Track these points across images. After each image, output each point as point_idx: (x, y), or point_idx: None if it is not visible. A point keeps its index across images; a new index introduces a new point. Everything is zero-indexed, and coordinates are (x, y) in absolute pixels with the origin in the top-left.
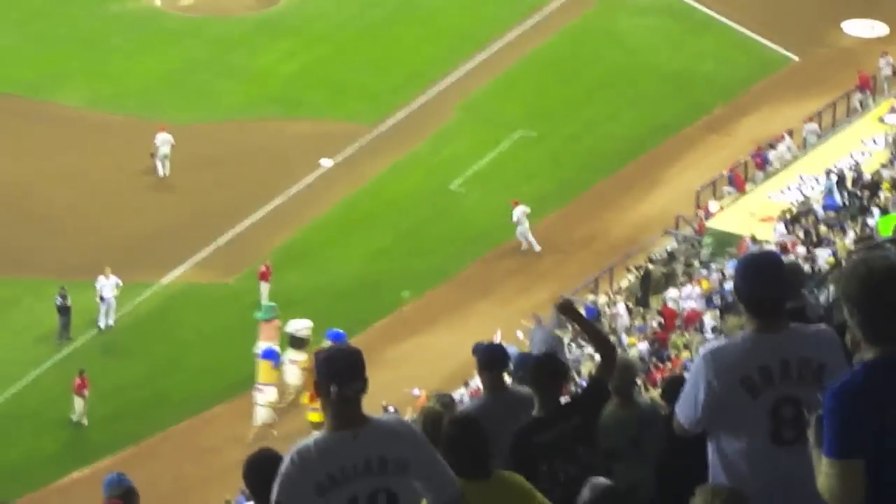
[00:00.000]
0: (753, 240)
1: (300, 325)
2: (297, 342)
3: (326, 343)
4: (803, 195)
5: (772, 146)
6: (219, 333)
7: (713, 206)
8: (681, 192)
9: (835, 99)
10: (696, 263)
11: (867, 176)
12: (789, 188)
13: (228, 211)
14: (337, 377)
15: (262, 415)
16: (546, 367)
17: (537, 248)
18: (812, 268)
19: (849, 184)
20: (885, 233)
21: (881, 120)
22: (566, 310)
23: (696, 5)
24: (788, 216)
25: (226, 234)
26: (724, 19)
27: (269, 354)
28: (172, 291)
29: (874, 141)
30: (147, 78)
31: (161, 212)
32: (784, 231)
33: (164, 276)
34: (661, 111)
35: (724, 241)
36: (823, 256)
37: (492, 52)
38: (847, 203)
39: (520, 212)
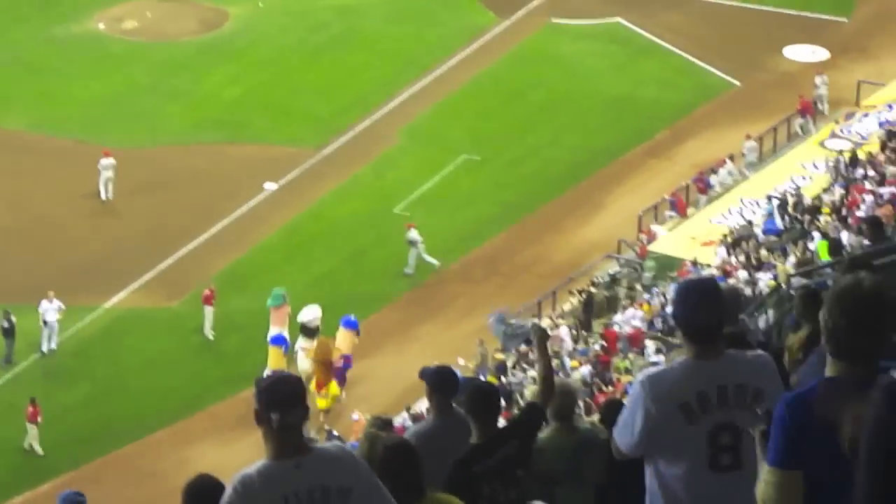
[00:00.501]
0: (695, 264)
1: (311, 315)
2: (307, 331)
3: (341, 329)
4: (744, 219)
5: (713, 171)
6: (162, 357)
7: (660, 230)
8: (623, 216)
9: (776, 123)
10: (639, 287)
11: (808, 200)
12: (731, 212)
13: (172, 235)
14: (278, 406)
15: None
16: (482, 394)
17: (436, 263)
18: (753, 291)
19: (790, 208)
20: (825, 256)
21: (822, 145)
22: (543, 339)
23: (639, 31)
24: (730, 240)
25: (169, 258)
26: (666, 45)
27: (278, 340)
28: (115, 315)
29: (815, 165)
30: (90, 102)
31: (104, 236)
32: (725, 255)
33: (107, 300)
34: (603, 136)
35: (666, 265)
36: (764, 280)
37: (435, 76)
38: (788, 227)
39: (413, 234)
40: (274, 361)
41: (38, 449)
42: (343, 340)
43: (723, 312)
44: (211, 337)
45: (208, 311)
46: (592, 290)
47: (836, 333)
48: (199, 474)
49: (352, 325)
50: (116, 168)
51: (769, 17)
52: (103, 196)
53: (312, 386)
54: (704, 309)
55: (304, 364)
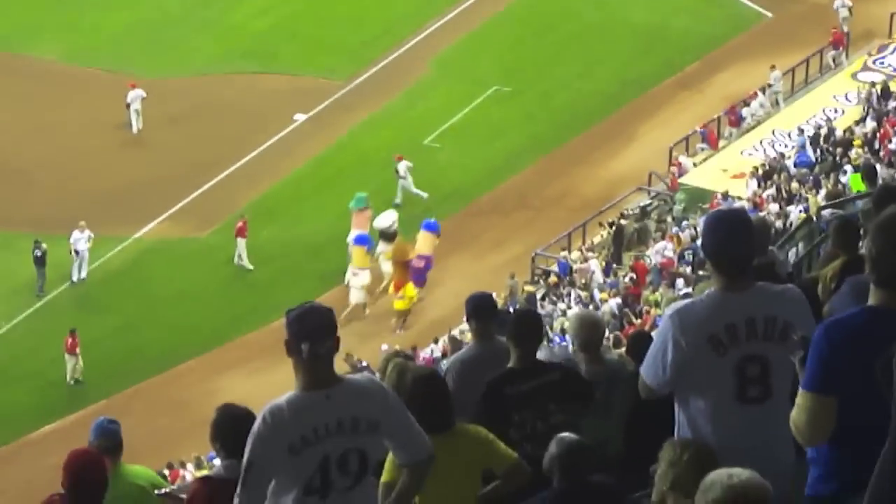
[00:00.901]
0: (726, 196)
1: (387, 220)
2: (385, 236)
3: (422, 232)
4: (776, 152)
5: (745, 103)
6: (191, 288)
7: (687, 161)
8: (653, 148)
9: (808, 56)
10: (669, 220)
11: (839, 132)
12: (762, 145)
13: (201, 166)
14: (308, 336)
15: (355, 296)
16: (524, 319)
17: (424, 195)
18: (784, 224)
19: (822, 140)
20: (858, 188)
21: (854, 77)
22: None
23: None
24: (761, 172)
25: (198, 189)
26: None
27: (362, 240)
28: (145, 246)
29: (847, 98)
30: (121, 32)
31: (134, 166)
32: (756, 187)
33: (137, 230)
34: (634, 68)
35: (697, 198)
36: (795, 213)
37: (466, 6)
38: (820, 160)
39: (403, 167)
40: (358, 259)
41: (80, 377)
42: (424, 242)
43: (752, 244)
44: (250, 266)
45: (241, 242)
46: (622, 222)
47: (880, 262)
48: (228, 404)
49: (432, 228)
50: (144, 99)
51: None
52: (134, 128)
53: (391, 288)
54: (734, 240)
55: (386, 267)
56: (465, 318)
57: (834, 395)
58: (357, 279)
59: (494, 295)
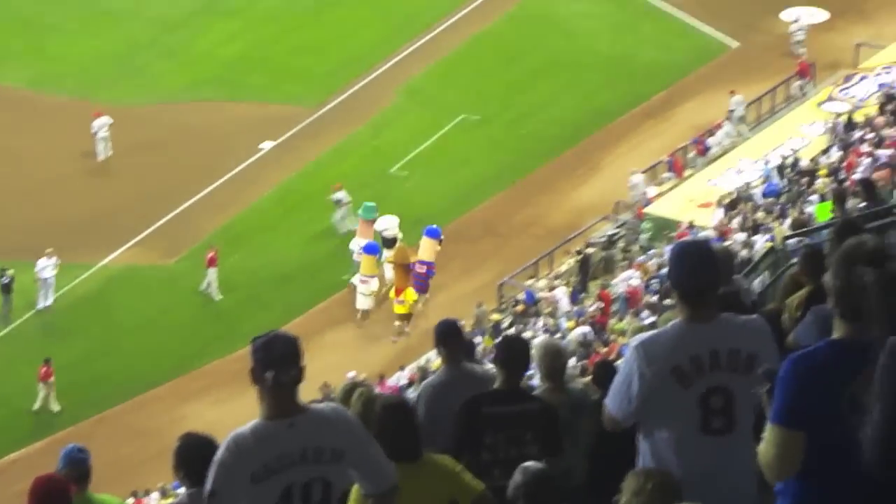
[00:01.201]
0: (692, 226)
1: (389, 225)
2: (386, 241)
3: (424, 238)
4: (742, 181)
5: (711, 132)
6: (157, 315)
7: (652, 191)
8: (620, 177)
9: (774, 85)
10: (636, 248)
11: (805, 162)
12: (728, 174)
13: (169, 193)
14: (273, 364)
15: (363, 303)
16: (513, 345)
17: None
18: (749, 253)
19: (787, 170)
20: (823, 218)
21: (820, 107)
22: None
23: None
24: (727, 202)
25: (166, 217)
26: (664, 6)
27: (372, 248)
28: (111, 273)
29: (813, 128)
30: (87, 59)
31: (100, 194)
32: (722, 216)
33: (103, 257)
34: (600, 97)
35: (664, 227)
36: (761, 242)
37: (434, 35)
38: (785, 189)
39: (341, 195)
40: (367, 268)
41: (55, 406)
42: (425, 249)
43: (717, 275)
44: (217, 297)
45: (212, 272)
46: (589, 250)
47: (843, 295)
48: (190, 432)
49: (434, 234)
50: (111, 126)
51: None
52: (101, 156)
53: (392, 293)
54: (699, 271)
55: (390, 274)
56: (434, 345)
57: (802, 430)
58: (366, 286)
59: (462, 323)
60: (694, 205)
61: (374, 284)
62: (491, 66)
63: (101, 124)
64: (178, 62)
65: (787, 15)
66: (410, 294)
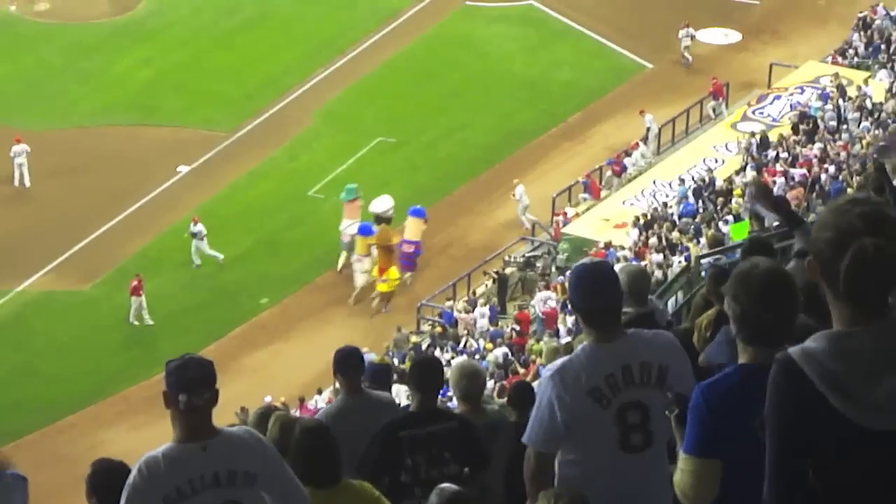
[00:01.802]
0: (608, 246)
1: (384, 206)
2: (380, 220)
3: (409, 218)
4: (657, 201)
5: (626, 153)
6: (74, 341)
7: (570, 211)
8: (537, 198)
9: (688, 106)
10: (553, 269)
11: (720, 182)
12: (643, 194)
13: (84, 218)
14: (185, 387)
15: (360, 280)
16: (423, 366)
17: (220, 256)
18: (665, 273)
19: (702, 190)
20: (738, 237)
21: (734, 127)
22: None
23: (552, 13)
24: (642, 222)
25: (82, 242)
26: (579, 27)
27: (364, 230)
28: (27, 299)
29: (727, 148)
30: (2, 84)
31: (15, 219)
32: (637, 237)
33: (18, 283)
34: (517, 118)
35: (581, 247)
36: (676, 262)
37: (350, 58)
38: (701, 209)
39: (198, 228)
40: (361, 248)
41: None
42: (411, 228)
43: (619, 294)
44: (150, 321)
45: (135, 301)
46: (506, 271)
47: (746, 319)
48: (102, 458)
49: (419, 214)
50: (29, 154)
51: None
52: (16, 182)
53: (374, 272)
54: (600, 292)
55: (374, 251)
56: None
57: (717, 458)
58: (360, 265)
59: (385, 346)
60: (610, 225)
61: (368, 263)
62: (407, 89)
63: (20, 151)
64: (92, 87)
65: (701, 35)
66: (393, 273)
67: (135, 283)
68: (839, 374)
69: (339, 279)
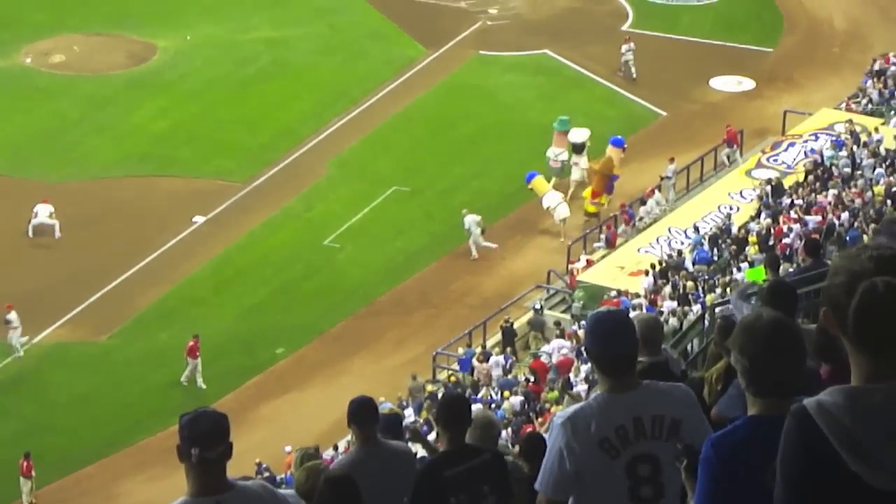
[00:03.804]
0: (623, 294)
1: (583, 135)
2: (577, 147)
3: (610, 147)
4: (672, 249)
5: (642, 201)
6: (90, 392)
7: (582, 260)
8: (552, 246)
9: (702, 153)
10: (568, 317)
11: (735, 229)
12: (658, 242)
13: (101, 269)
14: (198, 441)
15: (562, 213)
16: (451, 404)
17: None
18: (680, 322)
19: (717, 238)
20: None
21: (748, 174)
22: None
23: (566, 62)
24: (657, 270)
25: (97, 292)
26: (593, 76)
27: (617, 142)
28: (43, 351)
29: (742, 195)
30: (18, 136)
31: (32, 271)
32: (652, 285)
33: (35, 335)
34: (531, 166)
35: (596, 295)
36: (691, 310)
37: (364, 108)
38: (716, 257)
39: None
40: (541, 188)
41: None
42: (612, 156)
43: (634, 344)
44: (202, 386)
45: (192, 362)
46: (512, 320)
47: (758, 372)
48: None
49: (619, 143)
50: (52, 212)
51: (695, 47)
52: (30, 233)
53: (586, 193)
54: (615, 341)
55: (576, 175)
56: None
57: None
58: (547, 198)
59: (383, 400)
60: (625, 273)
61: (554, 195)
62: (422, 138)
63: (44, 210)
64: (108, 138)
65: (715, 83)
66: (605, 199)
67: (191, 343)
68: (854, 432)
69: (356, 329)
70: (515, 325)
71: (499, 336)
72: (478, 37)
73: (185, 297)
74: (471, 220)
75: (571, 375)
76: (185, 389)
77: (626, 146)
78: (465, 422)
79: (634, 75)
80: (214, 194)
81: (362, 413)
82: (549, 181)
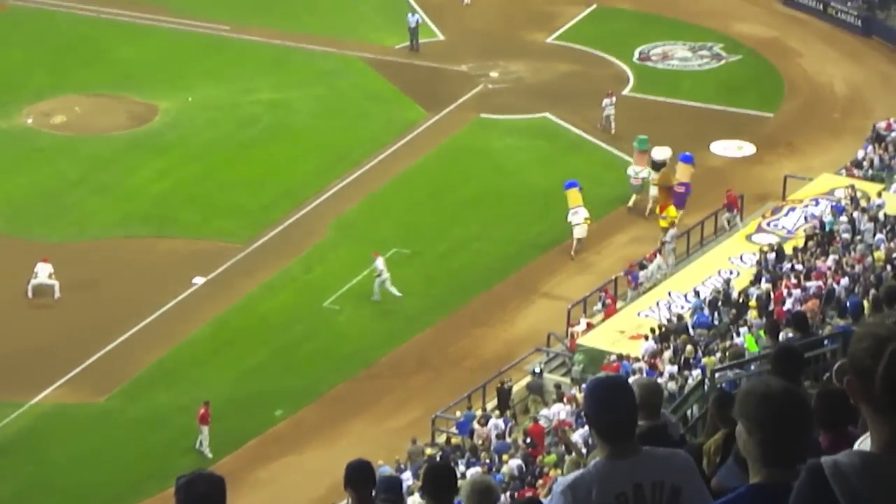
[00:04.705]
0: (622, 358)
1: (663, 153)
2: (657, 165)
3: (680, 163)
4: (672, 313)
5: (642, 265)
6: (88, 454)
7: (582, 322)
8: (552, 309)
9: (703, 218)
10: (568, 381)
11: (735, 294)
12: (658, 306)
13: (100, 330)
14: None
15: (578, 232)
16: (437, 473)
17: None
18: (680, 386)
19: (717, 302)
20: (753, 349)
21: (749, 239)
22: None
23: (567, 126)
24: (657, 334)
25: (97, 354)
26: (593, 139)
27: (686, 158)
28: (42, 411)
29: (742, 259)
30: (18, 196)
31: (30, 332)
32: (653, 349)
33: (33, 396)
34: (532, 229)
35: (596, 359)
36: (691, 375)
37: (365, 170)
38: (716, 321)
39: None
40: (573, 200)
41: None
42: (682, 172)
43: (634, 410)
44: (209, 455)
45: (204, 429)
46: (521, 382)
47: (769, 442)
48: None
49: (688, 160)
50: (52, 274)
51: (696, 112)
52: (29, 294)
53: (657, 210)
54: (614, 407)
55: (653, 192)
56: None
57: None
58: (576, 216)
59: (395, 458)
60: (625, 337)
61: (583, 212)
62: (422, 200)
63: (42, 270)
64: (109, 199)
65: (716, 147)
66: (672, 211)
67: (202, 410)
68: (866, 499)
69: (355, 391)
70: (515, 389)
71: (495, 400)
72: (479, 100)
73: (184, 359)
74: (381, 262)
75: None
76: (184, 451)
77: (694, 162)
78: (452, 491)
79: (613, 130)
80: (214, 255)
81: (358, 476)
82: (630, 198)
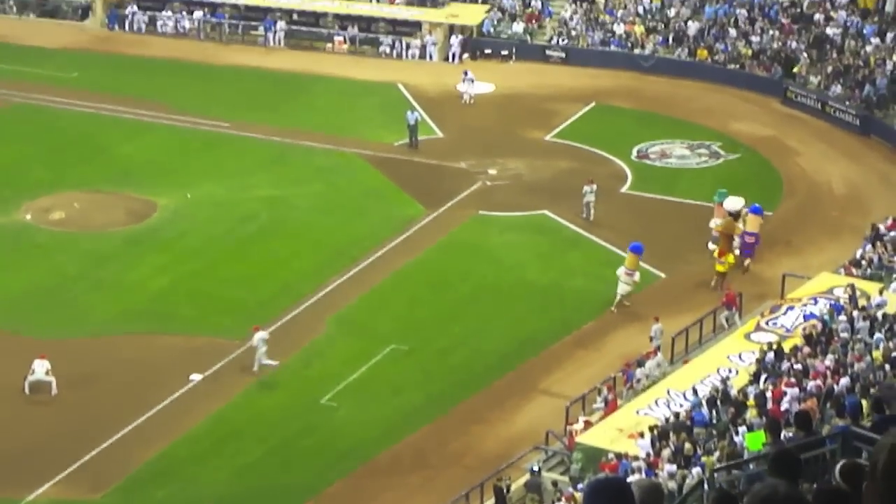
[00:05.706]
0: (621, 457)
1: (736, 203)
2: (733, 215)
3: (750, 215)
4: (671, 412)
5: (640, 364)
6: None
7: (580, 421)
8: (551, 407)
9: (701, 316)
10: (566, 479)
11: (734, 392)
12: (657, 404)
13: (96, 426)
14: None
15: (623, 289)
16: None
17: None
18: (679, 485)
19: (716, 400)
20: (753, 448)
21: (747, 337)
22: None
23: (565, 223)
24: (656, 433)
25: (93, 451)
26: (592, 237)
27: (637, 248)
28: None
29: (741, 358)
30: (16, 292)
31: (26, 428)
32: (651, 447)
33: (28, 493)
34: (531, 326)
35: (595, 457)
36: (690, 473)
37: (364, 266)
38: (714, 420)
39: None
40: (631, 263)
41: None
42: (752, 223)
43: None
44: None
45: None
46: (520, 481)
47: None
48: None
49: (758, 211)
50: (49, 369)
51: (693, 209)
52: (26, 390)
53: (715, 253)
54: None
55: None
56: None
57: None
58: (629, 278)
59: None
60: (624, 435)
61: (637, 277)
62: (420, 296)
63: (39, 366)
64: (106, 295)
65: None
66: (730, 258)
67: None
68: None
69: (352, 489)
70: (513, 487)
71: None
72: (477, 197)
73: (181, 456)
74: (259, 336)
75: None
76: None
77: (763, 214)
78: None
79: (591, 217)
80: (212, 352)
81: None
82: (707, 246)
